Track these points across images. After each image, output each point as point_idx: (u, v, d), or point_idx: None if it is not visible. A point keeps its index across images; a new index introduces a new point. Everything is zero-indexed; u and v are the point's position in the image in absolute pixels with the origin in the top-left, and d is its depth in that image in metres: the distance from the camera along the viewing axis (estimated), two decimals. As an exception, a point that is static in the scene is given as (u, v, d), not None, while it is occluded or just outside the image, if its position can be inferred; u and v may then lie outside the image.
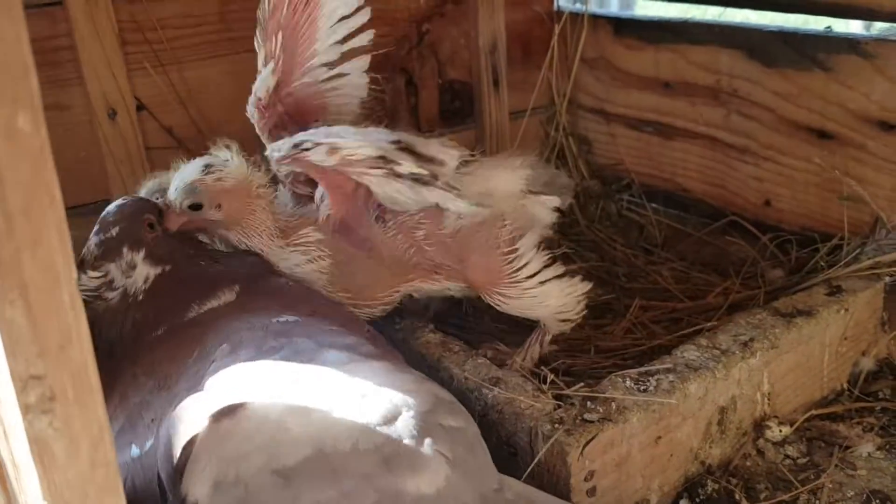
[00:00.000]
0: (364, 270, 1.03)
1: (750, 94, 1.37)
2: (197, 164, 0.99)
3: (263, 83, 1.04)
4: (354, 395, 0.72)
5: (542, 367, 1.02)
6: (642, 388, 0.92)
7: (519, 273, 1.05)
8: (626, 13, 1.76)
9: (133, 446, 0.78)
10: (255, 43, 1.04)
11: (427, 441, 0.69)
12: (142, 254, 0.93)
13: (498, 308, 1.08)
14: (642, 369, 0.95)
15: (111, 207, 0.97)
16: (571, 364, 1.14)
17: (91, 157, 1.25)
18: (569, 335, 1.17)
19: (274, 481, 0.65)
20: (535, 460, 0.86)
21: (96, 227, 0.95)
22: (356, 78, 1.13)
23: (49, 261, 0.42)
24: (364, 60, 1.13)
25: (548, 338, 1.13)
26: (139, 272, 0.94)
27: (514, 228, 1.04)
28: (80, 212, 1.25)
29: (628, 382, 0.93)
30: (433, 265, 1.05)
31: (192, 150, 1.32)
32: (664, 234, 1.54)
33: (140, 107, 1.28)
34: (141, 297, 0.93)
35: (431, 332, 1.07)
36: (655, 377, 0.94)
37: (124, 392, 0.84)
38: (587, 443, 0.85)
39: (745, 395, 1.00)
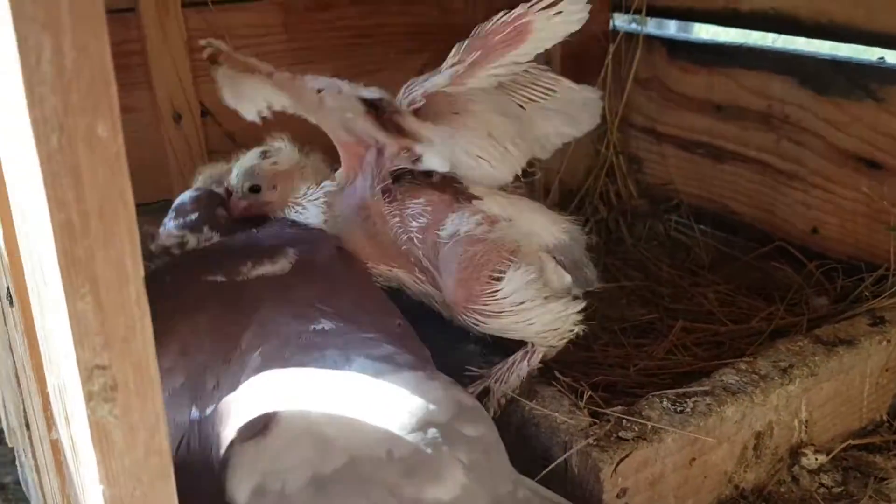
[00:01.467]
0: (354, 234, 1.03)
1: (801, 120, 1.37)
2: (254, 151, 1.08)
3: (439, 81, 1.01)
4: (386, 405, 0.74)
5: (581, 383, 1.03)
6: (679, 409, 0.93)
7: (498, 293, 0.97)
8: (681, 35, 1.76)
9: (193, 408, 0.80)
10: (456, 46, 1.03)
11: (447, 449, 0.72)
12: (218, 235, 1.04)
13: (476, 328, 1.01)
14: (680, 391, 0.96)
15: (185, 197, 1.07)
16: (609, 381, 1.15)
17: (156, 159, 1.30)
18: (608, 352, 1.18)
19: (309, 491, 0.68)
20: (568, 474, 0.87)
21: (172, 214, 1.05)
22: None
23: (119, 259, 0.45)
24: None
25: (537, 357, 1.02)
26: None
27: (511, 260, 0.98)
28: (144, 210, 1.31)
29: (665, 403, 0.94)
30: (418, 262, 1.02)
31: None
32: (711, 257, 1.54)
33: (204, 112, 1.33)
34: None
35: (473, 343, 1.09)
36: (693, 399, 0.95)
37: (185, 344, 0.85)
38: (621, 460, 0.86)
39: (782, 421, 1.00)
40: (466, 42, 1.02)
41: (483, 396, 1.00)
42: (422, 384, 0.78)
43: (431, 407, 0.74)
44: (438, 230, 0.99)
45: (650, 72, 1.62)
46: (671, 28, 1.83)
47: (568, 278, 1.03)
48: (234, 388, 0.79)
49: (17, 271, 0.70)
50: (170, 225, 1.05)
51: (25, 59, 0.40)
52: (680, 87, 1.57)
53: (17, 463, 1.33)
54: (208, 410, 0.79)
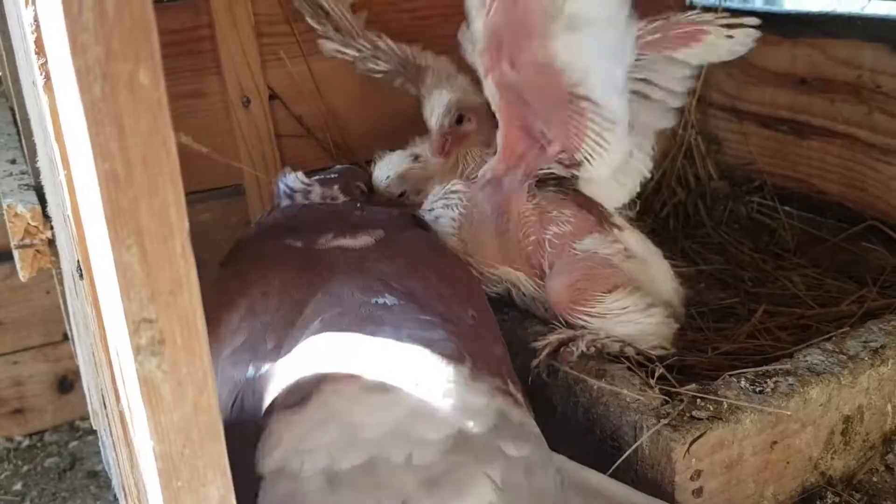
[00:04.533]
0: (485, 232, 1.05)
1: (895, 90, 1.29)
2: (402, 154, 1.13)
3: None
4: (422, 401, 0.70)
5: (655, 362, 0.99)
6: (758, 389, 0.88)
7: (604, 301, 1.02)
8: (761, 7, 1.68)
9: (251, 366, 0.80)
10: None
11: (479, 465, 0.67)
12: (345, 198, 1.08)
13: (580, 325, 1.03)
14: (759, 369, 0.91)
15: (338, 167, 1.15)
16: (685, 363, 1.10)
17: (226, 143, 1.32)
18: (685, 335, 1.13)
19: (322, 484, 0.66)
20: (638, 454, 0.84)
21: (320, 174, 1.11)
22: None
23: (164, 210, 0.44)
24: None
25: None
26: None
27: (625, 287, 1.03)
28: (215, 194, 1.33)
29: (743, 382, 0.89)
30: (540, 268, 1.05)
31: (320, 138, 1.39)
32: (797, 239, 1.46)
33: (272, 96, 1.34)
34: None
35: (539, 323, 1.06)
36: (773, 379, 0.90)
37: (252, 307, 0.85)
38: (694, 440, 0.82)
39: (873, 405, 0.94)
40: (651, 21, 1.03)
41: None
42: (466, 386, 0.73)
43: (470, 415, 0.70)
44: (575, 242, 1.03)
45: (729, 47, 1.55)
46: (755, 2, 1.76)
47: (675, 326, 1.07)
48: (294, 348, 0.79)
49: (84, 242, 0.71)
50: (315, 176, 1.09)
51: (68, 8, 0.40)
52: (761, 60, 1.51)
53: (100, 444, 1.38)
54: (263, 369, 0.78)
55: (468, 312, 0.92)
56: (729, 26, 1.02)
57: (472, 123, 1.12)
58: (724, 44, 1.02)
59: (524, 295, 1.08)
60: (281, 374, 0.76)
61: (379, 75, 1.26)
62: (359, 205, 1.07)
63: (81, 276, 0.81)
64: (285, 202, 1.08)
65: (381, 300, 0.85)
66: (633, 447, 0.84)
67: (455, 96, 1.11)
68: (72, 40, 0.41)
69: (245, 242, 1.01)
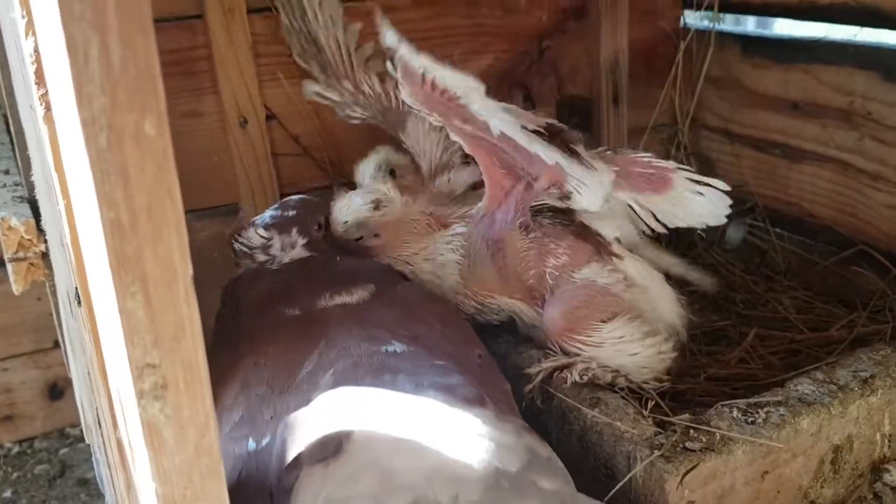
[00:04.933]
0: (481, 265, 1.05)
1: (885, 117, 1.30)
2: (364, 197, 1.07)
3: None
4: (456, 444, 0.71)
5: (647, 390, 1.00)
6: (750, 420, 0.89)
7: (601, 329, 1.01)
8: (755, 31, 1.70)
9: (250, 440, 0.80)
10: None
11: (521, 500, 0.68)
12: (304, 241, 1.04)
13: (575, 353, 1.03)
14: (751, 400, 0.92)
15: (295, 197, 1.11)
16: (678, 389, 1.11)
17: (222, 162, 1.32)
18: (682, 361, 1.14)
19: None
20: (632, 484, 0.84)
21: (276, 206, 1.08)
22: None
23: (168, 257, 0.44)
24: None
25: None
26: (293, 254, 1.04)
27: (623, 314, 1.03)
28: (211, 213, 1.33)
29: (735, 413, 0.90)
30: (542, 298, 1.05)
31: (317, 157, 1.39)
32: (788, 261, 1.48)
33: (269, 116, 1.34)
34: (278, 269, 1.03)
35: (534, 348, 1.07)
36: (765, 409, 0.90)
37: (246, 380, 0.85)
38: (687, 472, 0.83)
39: (863, 434, 0.95)
40: (606, 148, 1.03)
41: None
42: (494, 426, 0.74)
43: (503, 453, 0.70)
44: (574, 272, 1.03)
45: (723, 69, 1.57)
46: (748, 25, 1.77)
47: (670, 358, 1.05)
48: (298, 409, 0.78)
49: (83, 272, 0.72)
50: (267, 214, 1.06)
51: (74, 59, 0.40)
52: (754, 84, 1.52)
53: (93, 459, 1.37)
54: (265, 441, 0.78)
55: (474, 352, 0.93)
56: (695, 181, 1.00)
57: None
58: (691, 200, 1.01)
59: (525, 323, 1.09)
60: (302, 430, 0.75)
61: (356, 121, 1.25)
62: (338, 258, 1.05)
63: (80, 303, 0.81)
64: (245, 261, 1.04)
65: (389, 348, 0.84)
66: (627, 478, 0.85)
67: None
68: (77, 91, 0.41)
69: (233, 317, 0.97)
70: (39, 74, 0.68)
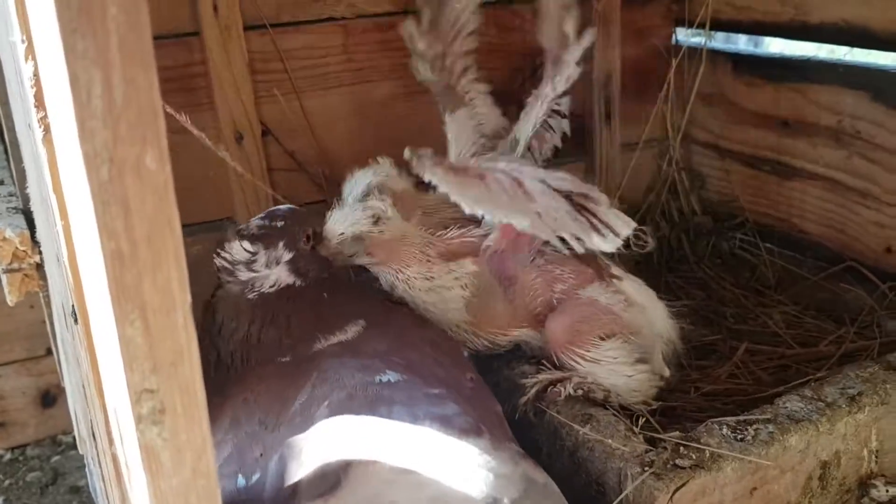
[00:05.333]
0: (494, 303, 1.07)
1: (873, 136, 1.32)
2: (364, 211, 1.05)
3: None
4: (455, 475, 0.71)
5: (637, 407, 1.02)
6: (739, 437, 0.90)
7: (600, 346, 1.04)
8: (746, 49, 1.72)
9: (240, 476, 0.80)
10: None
11: None
12: (290, 255, 0.99)
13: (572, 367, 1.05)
14: (741, 418, 0.93)
15: (284, 207, 1.05)
16: (669, 405, 1.12)
17: (218, 177, 1.33)
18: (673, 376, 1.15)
19: None
20: (623, 501, 0.85)
21: (262, 215, 1.02)
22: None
23: (167, 285, 0.45)
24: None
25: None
26: (276, 273, 0.99)
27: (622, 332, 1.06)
28: (206, 227, 1.34)
29: (725, 430, 0.91)
30: (546, 319, 1.07)
31: (312, 172, 1.40)
32: (777, 276, 1.49)
33: (265, 131, 1.35)
34: (260, 302, 0.97)
35: (527, 363, 1.08)
36: (754, 426, 0.92)
37: (236, 417, 0.85)
38: (677, 489, 0.84)
39: (850, 450, 0.96)
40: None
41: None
42: (491, 456, 0.74)
43: (501, 482, 0.71)
44: (578, 292, 1.07)
45: (714, 87, 1.59)
46: (738, 43, 1.79)
47: (667, 372, 1.09)
48: (292, 442, 0.78)
49: (81, 293, 0.72)
50: (254, 223, 1.01)
51: (77, 96, 0.41)
52: (744, 102, 1.54)
53: (87, 470, 1.37)
54: (254, 478, 0.78)
55: (466, 376, 0.93)
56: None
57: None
58: None
59: (532, 347, 1.10)
60: (300, 463, 0.75)
61: (420, 78, 1.21)
62: (325, 294, 1.01)
63: (76, 321, 0.82)
64: (227, 278, 0.99)
65: (383, 377, 0.84)
66: (619, 498, 0.86)
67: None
68: (80, 126, 0.42)
69: (230, 361, 0.96)
70: (39, 98, 0.69)
